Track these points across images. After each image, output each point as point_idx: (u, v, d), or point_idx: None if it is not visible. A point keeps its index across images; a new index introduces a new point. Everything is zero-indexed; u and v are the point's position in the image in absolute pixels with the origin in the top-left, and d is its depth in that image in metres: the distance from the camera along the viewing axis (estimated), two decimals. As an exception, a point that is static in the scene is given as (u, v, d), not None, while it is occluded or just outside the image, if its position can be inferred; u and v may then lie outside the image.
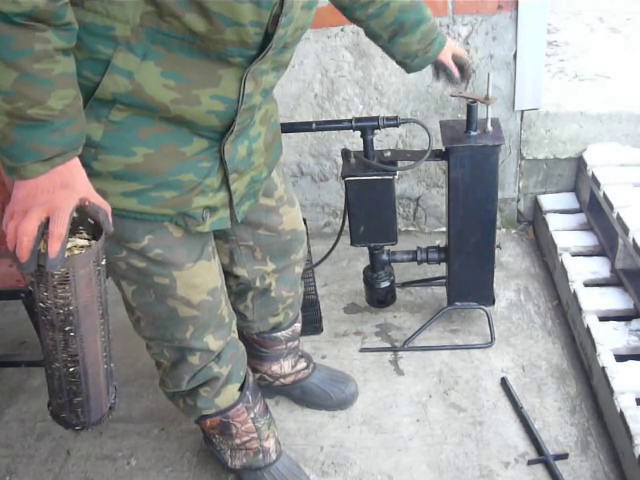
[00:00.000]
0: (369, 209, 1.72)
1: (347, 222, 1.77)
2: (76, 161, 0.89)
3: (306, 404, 1.75)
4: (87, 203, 0.89)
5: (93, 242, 0.94)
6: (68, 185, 0.87)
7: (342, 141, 2.25)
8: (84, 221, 0.91)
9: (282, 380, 1.70)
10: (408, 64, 1.44)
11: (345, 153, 1.68)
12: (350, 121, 1.59)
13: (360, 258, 2.27)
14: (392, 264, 1.90)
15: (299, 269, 1.51)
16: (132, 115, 0.97)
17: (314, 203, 2.40)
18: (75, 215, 0.90)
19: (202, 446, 1.64)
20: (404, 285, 2.11)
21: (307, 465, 1.60)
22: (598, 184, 2.01)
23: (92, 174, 0.94)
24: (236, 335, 1.39)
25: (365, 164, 1.65)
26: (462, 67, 1.53)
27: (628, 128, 2.14)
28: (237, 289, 1.47)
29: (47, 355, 1.02)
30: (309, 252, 1.75)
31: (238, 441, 1.47)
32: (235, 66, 0.99)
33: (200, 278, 1.21)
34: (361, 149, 1.65)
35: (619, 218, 1.83)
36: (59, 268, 0.88)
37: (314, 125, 1.63)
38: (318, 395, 1.73)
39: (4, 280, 1.59)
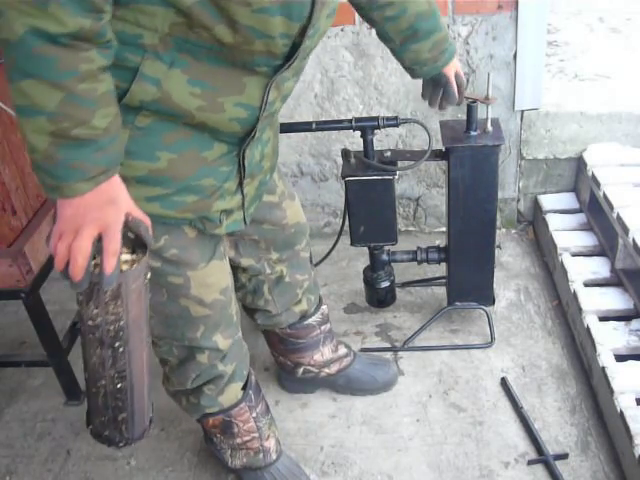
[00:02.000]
0: (369, 209, 1.72)
1: (347, 222, 1.77)
2: (117, 177, 0.90)
3: (351, 392, 1.77)
4: (130, 218, 0.90)
5: (141, 256, 0.94)
6: (114, 201, 0.88)
7: (342, 141, 2.25)
8: (124, 234, 0.92)
9: (327, 370, 1.72)
10: (416, 70, 1.43)
11: (345, 153, 1.68)
12: (350, 121, 1.59)
13: (360, 258, 2.27)
14: (392, 264, 1.90)
15: (305, 254, 1.53)
16: (157, 121, 0.98)
17: (314, 203, 2.40)
18: None
19: (202, 446, 1.64)
20: (404, 285, 2.11)
21: (307, 465, 1.60)
22: (598, 184, 2.01)
23: None
24: (240, 333, 1.41)
25: (365, 164, 1.65)
26: (459, 88, 1.51)
27: (628, 128, 2.13)
28: (251, 285, 1.49)
29: (93, 373, 1.01)
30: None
31: (239, 440, 1.47)
32: (260, 74, 1.00)
33: (213, 277, 1.22)
34: (361, 149, 1.65)
35: (619, 218, 1.83)
36: (114, 284, 0.88)
37: (314, 125, 1.63)
38: (364, 381, 1.75)
39: (4, 280, 1.59)
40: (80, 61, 0.80)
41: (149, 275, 0.96)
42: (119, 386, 1.02)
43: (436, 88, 1.49)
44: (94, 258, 0.89)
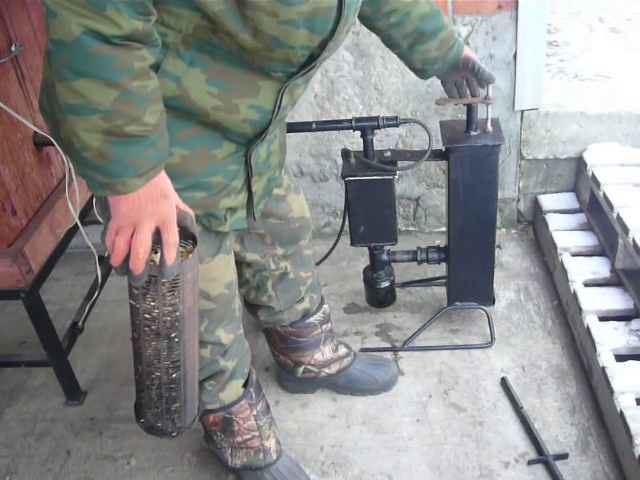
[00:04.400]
0: (369, 209, 1.72)
1: (347, 222, 1.77)
2: (164, 172, 0.92)
3: (351, 392, 1.77)
4: (177, 210, 0.93)
5: (190, 248, 0.95)
6: (167, 194, 0.91)
7: (342, 141, 2.25)
8: None
9: (327, 370, 1.72)
10: (428, 70, 1.44)
11: (345, 153, 1.68)
12: (350, 121, 1.59)
13: (360, 258, 2.27)
14: (392, 264, 1.90)
15: (308, 252, 1.55)
16: (173, 117, 0.99)
17: (314, 203, 2.40)
18: None
19: (202, 446, 1.64)
20: (404, 285, 2.11)
21: (307, 465, 1.60)
22: (598, 184, 2.01)
23: None
24: (242, 330, 1.41)
25: (365, 164, 1.65)
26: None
27: (628, 128, 2.13)
28: (255, 281, 1.50)
29: (147, 366, 1.03)
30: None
31: (239, 439, 1.47)
32: (274, 79, 1.02)
33: (219, 271, 1.24)
34: (361, 149, 1.65)
35: (619, 218, 1.83)
36: (175, 274, 0.90)
37: (314, 125, 1.63)
38: (363, 380, 1.76)
39: (4, 280, 1.59)
40: (134, 59, 0.82)
41: (199, 265, 0.98)
42: (174, 376, 1.03)
43: (460, 79, 1.51)
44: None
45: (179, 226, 0.94)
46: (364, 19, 1.36)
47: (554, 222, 2.16)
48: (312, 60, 1.02)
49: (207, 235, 1.18)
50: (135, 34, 0.81)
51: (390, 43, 1.40)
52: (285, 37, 0.94)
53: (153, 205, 0.89)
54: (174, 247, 0.89)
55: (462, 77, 1.51)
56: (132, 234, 0.89)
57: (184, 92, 0.97)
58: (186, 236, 0.95)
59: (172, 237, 0.89)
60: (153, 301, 0.93)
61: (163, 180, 0.92)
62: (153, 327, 0.96)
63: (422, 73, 1.46)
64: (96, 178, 0.87)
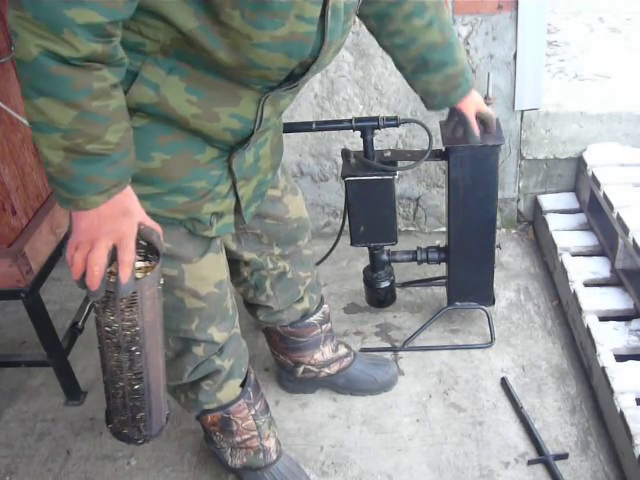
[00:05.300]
0: (369, 209, 1.72)
1: (347, 222, 1.77)
2: (129, 188, 0.92)
3: (351, 392, 1.77)
4: (142, 227, 0.93)
5: (154, 264, 0.96)
6: (128, 211, 0.91)
7: (342, 141, 2.25)
8: (137, 243, 0.94)
9: (327, 370, 1.72)
10: (427, 102, 1.44)
11: (345, 153, 1.68)
12: (350, 121, 1.59)
13: (360, 258, 2.27)
14: (392, 264, 1.90)
15: (307, 251, 1.54)
16: (152, 122, 1.00)
17: (314, 203, 2.40)
18: None
19: (202, 446, 1.64)
20: (404, 285, 2.11)
21: (307, 465, 1.60)
22: (598, 184, 2.01)
23: None
24: (239, 330, 1.41)
25: (365, 164, 1.65)
26: (485, 123, 1.52)
27: (628, 128, 2.13)
28: (253, 280, 1.50)
29: (111, 376, 1.04)
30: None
31: (239, 439, 1.47)
32: (255, 90, 1.02)
33: (208, 270, 1.23)
34: (361, 149, 1.65)
35: (619, 218, 1.83)
36: (130, 293, 0.91)
37: (314, 125, 1.63)
38: (363, 380, 1.76)
39: (4, 280, 1.59)
40: (93, 80, 0.82)
41: (162, 281, 0.98)
42: (136, 387, 1.04)
43: (453, 123, 1.53)
44: (110, 265, 0.91)
45: (145, 242, 0.94)
46: (372, 33, 1.35)
47: (554, 222, 2.16)
48: (295, 79, 1.02)
49: (194, 236, 1.17)
50: (94, 56, 0.81)
51: (396, 64, 1.39)
52: (259, 59, 0.93)
53: (112, 223, 0.89)
54: (129, 266, 0.89)
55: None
56: (90, 251, 0.89)
57: (163, 100, 0.97)
58: (152, 252, 0.96)
59: (128, 256, 0.89)
60: (112, 315, 0.94)
61: (127, 197, 0.91)
62: (114, 340, 0.97)
63: (423, 102, 1.46)
64: (61, 193, 0.88)
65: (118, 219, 0.90)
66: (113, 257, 0.90)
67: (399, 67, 1.40)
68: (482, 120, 1.52)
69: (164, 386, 1.12)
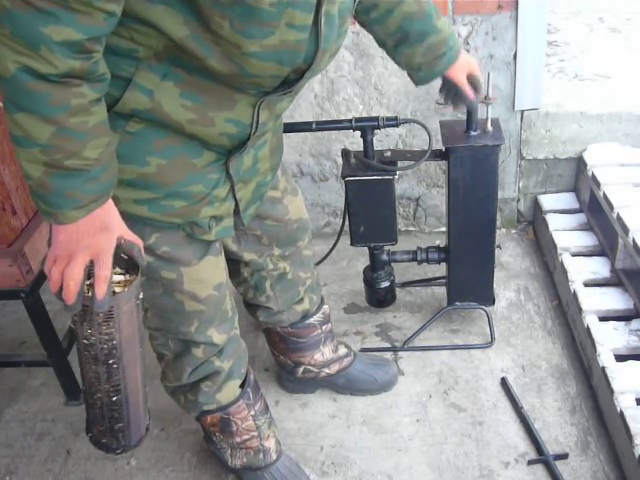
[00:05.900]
0: (369, 209, 1.72)
1: (347, 222, 1.77)
2: (110, 202, 0.92)
3: (351, 392, 1.77)
4: (122, 241, 0.93)
5: (133, 278, 0.96)
6: (107, 227, 0.91)
7: (342, 141, 2.25)
8: (117, 256, 0.94)
9: (327, 370, 1.72)
10: (413, 76, 1.42)
11: (345, 153, 1.68)
12: (350, 121, 1.59)
13: (360, 258, 2.27)
14: (392, 264, 1.90)
15: (308, 252, 1.54)
16: (148, 127, 0.99)
17: (314, 203, 2.40)
18: None
19: (202, 446, 1.64)
20: (404, 285, 2.11)
21: (307, 465, 1.60)
22: (598, 184, 2.01)
23: None
24: (238, 331, 1.41)
25: (365, 164, 1.65)
26: (472, 85, 1.49)
27: (628, 128, 2.13)
28: (253, 280, 1.49)
29: (89, 387, 1.04)
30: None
31: (238, 439, 1.47)
32: (250, 95, 1.02)
33: (207, 273, 1.23)
34: (361, 149, 1.65)
35: (619, 218, 1.83)
36: (106, 308, 0.91)
37: (314, 125, 1.63)
38: (363, 380, 1.76)
39: (4, 280, 1.59)
40: (71, 96, 0.82)
41: (141, 295, 0.98)
42: (114, 399, 1.05)
43: (446, 90, 1.50)
44: (89, 278, 0.91)
45: (126, 256, 0.94)
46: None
47: (554, 222, 2.16)
48: (290, 84, 1.01)
49: (192, 239, 1.17)
50: (72, 72, 0.80)
51: (377, 40, 1.38)
52: (251, 68, 0.93)
53: (90, 238, 0.89)
54: (105, 282, 0.89)
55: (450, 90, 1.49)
56: (67, 265, 0.89)
57: (157, 105, 0.96)
58: (133, 266, 0.96)
59: (104, 271, 0.89)
60: (90, 328, 0.95)
61: (107, 212, 0.91)
62: (92, 352, 0.98)
63: (410, 78, 1.43)
64: (41, 206, 0.88)
65: (96, 234, 0.90)
66: (91, 271, 0.90)
67: (381, 43, 1.37)
68: (470, 82, 1.47)
69: (144, 397, 1.12)
